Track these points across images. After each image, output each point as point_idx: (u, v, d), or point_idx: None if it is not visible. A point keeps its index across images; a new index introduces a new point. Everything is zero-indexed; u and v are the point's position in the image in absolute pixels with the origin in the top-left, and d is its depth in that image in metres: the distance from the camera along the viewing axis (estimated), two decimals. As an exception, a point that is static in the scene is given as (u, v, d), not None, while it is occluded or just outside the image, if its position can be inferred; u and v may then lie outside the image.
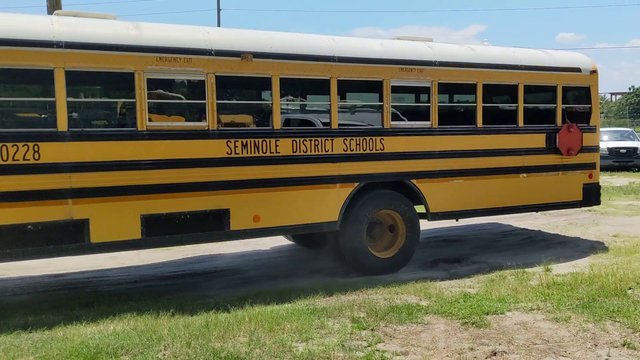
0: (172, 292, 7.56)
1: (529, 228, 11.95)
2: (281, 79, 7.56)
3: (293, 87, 8.37)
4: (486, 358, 5.14)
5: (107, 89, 7.92)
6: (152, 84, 6.98)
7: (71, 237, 6.58)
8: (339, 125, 7.99)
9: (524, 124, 9.36)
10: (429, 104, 8.64)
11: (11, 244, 6.31)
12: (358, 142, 8.07)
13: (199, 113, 7.52)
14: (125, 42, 6.76)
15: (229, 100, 8.00)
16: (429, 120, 8.61)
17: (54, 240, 6.52)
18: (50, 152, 6.41)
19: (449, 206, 8.82)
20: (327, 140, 7.85)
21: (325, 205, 7.90)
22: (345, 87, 8.43)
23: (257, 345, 5.32)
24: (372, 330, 5.78)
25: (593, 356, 5.16)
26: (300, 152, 7.68)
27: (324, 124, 8.07)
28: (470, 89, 8.99)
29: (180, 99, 7.84)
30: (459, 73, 8.81)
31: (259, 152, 7.44)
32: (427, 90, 8.65)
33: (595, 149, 10.14)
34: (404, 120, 8.66)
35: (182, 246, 9.66)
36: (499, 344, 5.43)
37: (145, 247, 7.29)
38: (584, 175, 9.94)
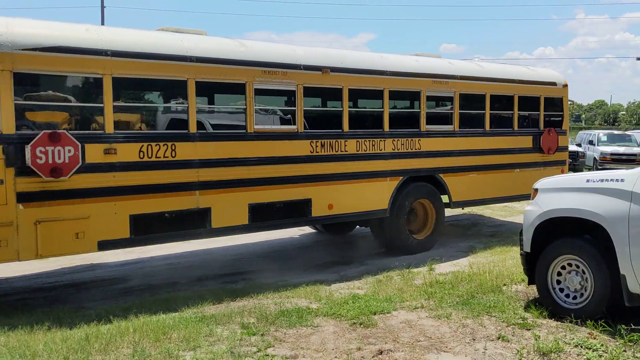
0: (49, 305, 7.23)
1: None
2: (349, 89, 9.17)
3: (358, 96, 9.84)
4: (373, 357, 5.24)
5: (225, 97, 8.91)
6: (258, 93, 8.28)
7: (197, 223, 7.80)
8: (389, 128, 9.67)
9: (517, 127, 11.57)
10: (452, 111, 10.59)
11: (154, 229, 7.50)
12: (403, 143, 9.86)
13: (290, 118, 8.74)
14: (238, 58, 8.09)
15: (311, 107, 9.24)
16: (452, 124, 10.58)
17: (184, 226, 7.73)
18: (184, 150, 7.51)
19: (465, 196, 10.76)
20: (381, 141, 9.58)
21: (379, 195, 9.55)
22: (393, 96, 9.91)
23: (141, 356, 5.13)
24: (262, 335, 5.75)
25: (471, 350, 5.40)
26: (362, 150, 9.34)
27: (377, 127, 9.63)
28: (481, 98, 10.99)
29: (277, 106, 9.15)
30: (473, 85, 10.81)
31: (332, 151, 9.02)
32: (450, 99, 10.60)
33: (565, 148, 12.49)
34: (435, 125, 10.41)
35: (59, 257, 8.79)
36: (385, 343, 5.57)
37: (251, 231, 8.68)
38: (558, 170, 12.10)
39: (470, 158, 10.79)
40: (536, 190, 6.76)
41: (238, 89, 8.21)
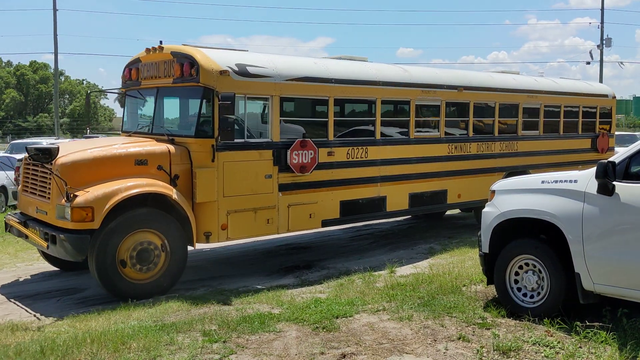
0: (0, 317, 7.02)
1: (377, 232, 12.69)
2: (475, 104, 11.89)
3: (480, 109, 12.20)
4: (335, 361, 5.29)
5: (395, 111, 11.19)
6: (417, 107, 10.93)
7: (378, 207, 10.40)
8: (498, 133, 12.33)
9: (581, 132, 14.33)
10: (538, 119, 13.31)
11: (353, 212, 10.06)
12: (506, 145, 12.58)
13: (435, 126, 11.31)
14: (405, 81, 10.76)
15: (448, 117, 11.60)
16: (538, 130, 13.37)
17: (370, 209, 10.32)
18: (372, 152, 10.18)
19: None
20: (492, 143, 12.34)
21: (488, 187, 11.15)
22: (501, 107, 12.53)
23: None
24: (224, 342, 5.66)
25: (433, 351, 5.48)
26: (480, 151, 12.04)
27: (489, 132, 12.34)
28: (558, 108, 13.75)
29: (427, 117, 11.52)
30: (553, 99, 13.54)
31: (462, 152, 11.70)
32: (537, 110, 13.26)
33: (612, 149, 14.98)
34: (527, 130, 13.00)
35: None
36: (348, 346, 5.59)
37: (409, 214, 12.37)
38: None
39: (551, 157, 13.41)
40: (493, 192, 6.89)
41: (404, 105, 10.77)
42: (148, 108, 9.52)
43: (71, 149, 8.09)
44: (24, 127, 66.78)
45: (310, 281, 8.58)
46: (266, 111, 9.06)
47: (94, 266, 7.53)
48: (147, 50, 9.18)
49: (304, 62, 9.70)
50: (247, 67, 8.65)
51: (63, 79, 77.27)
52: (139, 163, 7.99)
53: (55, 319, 6.95)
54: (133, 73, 9.61)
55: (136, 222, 7.70)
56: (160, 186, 7.91)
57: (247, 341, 5.76)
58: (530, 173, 12.24)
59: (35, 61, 79.04)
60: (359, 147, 10.04)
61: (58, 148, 7.59)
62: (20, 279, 9.08)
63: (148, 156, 8.09)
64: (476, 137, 12.06)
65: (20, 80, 77.00)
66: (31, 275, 9.30)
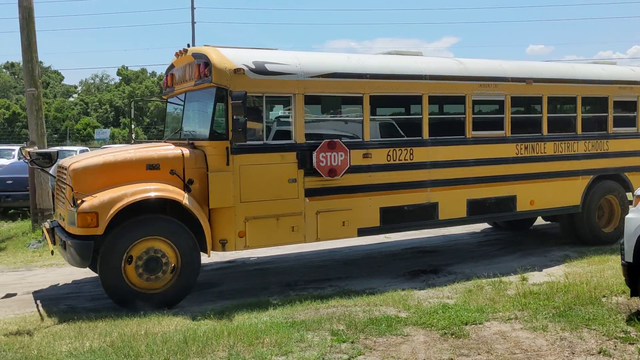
0: (148, 307, 7.29)
1: (506, 238, 12.25)
2: (550, 98, 10.37)
3: (554, 102, 10.74)
4: (466, 368, 5.24)
5: (448, 108, 10.17)
6: (475, 103, 9.70)
7: (428, 215, 9.25)
8: (582, 131, 10.74)
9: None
10: (635, 114, 11.53)
11: (397, 220, 9.06)
12: (593, 144, 10.87)
13: (499, 124, 9.97)
14: (458, 74, 9.54)
15: (515, 114, 10.21)
16: (635, 126, 11.51)
17: (418, 217, 9.23)
18: (419, 154, 9.11)
19: None
20: (574, 142, 10.68)
21: (572, 193, 10.58)
22: (584, 102, 10.94)
23: (236, 359, 5.33)
24: (352, 342, 5.76)
25: None
26: (558, 152, 10.48)
27: (571, 130, 10.71)
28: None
29: (489, 114, 10.45)
30: (629, 90, 11.51)
31: (534, 152, 10.21)
32: (634, 104, 11.53)
33: None
34: (620, 127, 11.28)
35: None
36: (479, 354, 5.48)
37: (468, 223, 10.38)
38: None
39: None
40: (638, 197, 6.43)
41: (459, 100, 9.59)
42: (179, 113, 9.29)
43: (88, 155, 8.06)
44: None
45: (437, 286, 8.38)
46: (290, 110, 8.38)
47: (99, 273, 7.34)
48: (176, 54, 8.95)
49: (333, 57, 8.93)
50: (266, 65, 8.07)
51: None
52: (151, 167, 7.69)
53: (196, 311, 7.21)
54: (169, 79, 9.45)
55: (143, 229, 7.39)
56: (170, 191, 7.54)
57: (374, 343, 5.80)
58: (625, 176, 10.99)
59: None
60: (403, 148, 9.02)
61: (57, 152, 7.65)
62: None
63: (160, 160, 7.77)
64: (553, 135, 10.48)
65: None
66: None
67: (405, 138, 9.22)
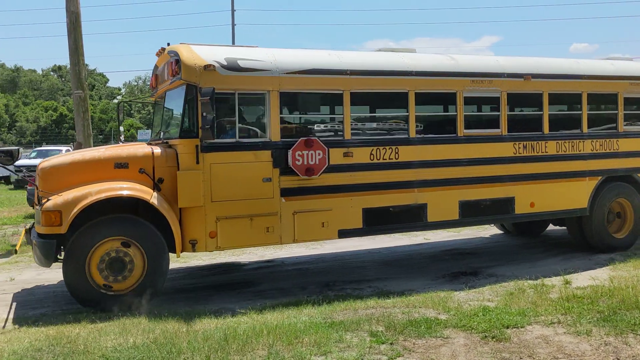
0: (190, 305, 7.63)
1: (549, 240, 11.99)
2: (549, 94, 9.80)
3: (556, 100, 10.20)
4: (507, 372, 5.21)
5: (437, 105, 9.83)
6: (467, 100, 9.25)
7: (415, 217, 8.84)
8: (588, 129, 10.14)
9: None
10: None
11: (381, 221, 8.64)
12: (601, 143, 10.25)
13: (495, 122, 9.50)
14: (448, 70, 9.13)
15: (513, 111, 9.77)
16: None
17: (405, 219, 8.82)
18: (405, 153, 8.70)
19: None
20: (580, 142, 10.07)
21: (578, 194, 10.03)
22: (591, 99, 10.35)
23: (276, 358, 5.36)
24: (391, 344, 5.74)
25: None
26: (562, 151, 9.88)
27: (576, 128, 10.12)
28: None
29: (483, 111, 10.03)
30: None
31: (534, 152, 9.66)
32: None
33: None
34: (632, 125, 10.69)
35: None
36: (521, 358, 5.41)
37: (461, 226, 10.16)
38: None
39: None
40: None
41: (449, 97, 9.16)
42: (160, 113, 9.19)
43: (61, 155, 8.10)
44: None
45: (477, 288, 8.25)
46: (264, 107, 8.13)
47: (63, 274, 7.23)
48: (157, 54, 8.86)
49: (312, 54, 8.66)
50: (239, 61, 7.86)
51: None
52: (119, 166, 7.59)
53: (236, 309, 7.26)
54: (153, 80, 9.37)
55: (107, 229, 7.26)
56: (137, 190, 7.40)
57: (414, 345, 5.75)
58: (638, 177, 10.37)
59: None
60: (387, 147, 8.64)
61: (18, 150, 7.80)
62: (204, 271, 9.90)
63: (129, 159, 7.65)
64: (555, 134, 9.90)
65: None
66: (215, 267, 10.11)
67: (390, 136, 8.86)
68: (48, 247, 7.11)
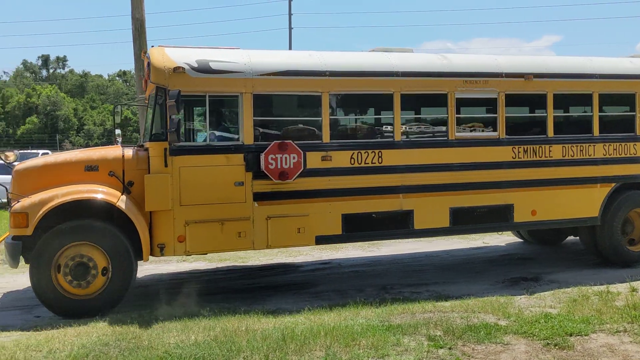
0: (248, 305, 7.73)
1: None
2: (554, 95, 9.10)
3: (563, 101, 9.53)
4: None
5: (426, 107, 9.44)
6: (459, 102, 8.72)
7: (401, 223, 8.44)
8: (600, 132, 9.38)
9: None
10: None
11: (363, 228, 8.36)
12: (615, 148, 9.44)
13: (491, 124, 8.97)
14: (438, 69, 8.64)
15: (512, 113, 9.20)
16: None
17: (389, 226, 8.47)
18: (389, 157, 8.33)
19: None
20: (590, 146, 9.32)
21: (587, 202, 9.31)
22: (603, 100, 9.59)
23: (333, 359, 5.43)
24: (449, 349, 5.66)
25: None
26: (568, 156, 9.15)
27: (585, 132, 9.38)
28: None
29: (478, 113, 9.40)
30: None
31: (536, 157, 9.00)
32: None
33: None
34: None
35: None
36: None
37: (453, 234, 9.56)
38: None
39: None
40: None
41: (440, 98, 8.66)
42: (144, 116, 9.28)
43: (37, 158, 8.29)
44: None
45: (539, 294, 8.05)
46: (237, 110, 7.97)
47: (30, 279, 7.25)
48: (142, 57, 8.91)
49: (289, 55, 8.48)
50: (210, 63, 7.74)
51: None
52: (90, 169, 7.60)
53: (293, 310, 7.33)
54: (143, 83, 9.34)
55: (71, 234, 7.23)
56: (103, 193, 7.39)
57: (473, 350, 5.69)
58: None
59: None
60: (370, 151, 8.27)
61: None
62: (261, 272, 10.07)
63: (99, 162, 7.65)
64: (560, 137, 9.22)
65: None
66: (272, 268, 10.26)
67: (373, 140, 8.48)
68: (14, 249, 7.17)
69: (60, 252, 7.15)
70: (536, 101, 9.33)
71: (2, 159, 8.21)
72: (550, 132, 9.14)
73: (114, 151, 7.80)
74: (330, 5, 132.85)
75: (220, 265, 10.45)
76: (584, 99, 9.52)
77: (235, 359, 5.43)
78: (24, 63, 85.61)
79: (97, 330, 6.35)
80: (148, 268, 10.00)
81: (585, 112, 9.64)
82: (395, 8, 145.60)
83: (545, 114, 9.15)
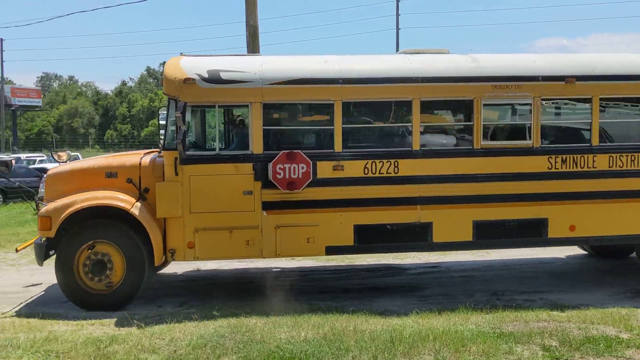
0: (356, 304, 7.83)
1: None
2: (601, 99, 8.34)
3: (610, 105, 8.79)
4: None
5: (448, 115, 9.04)
6: (487, 109, 8.26)
7: (419, 236, 8.14)
8: None
9: None
10: None
11: (377, 239, 8.14)
12: None
13: (524, 132, 8.35)
14: (467, 74, 8.16)
15: (549, 120, 8.62)
16: None
17: (405, 238, 8.17)
18: (406, 167, 8.05)
19: None
20: None
21: (638, 218, 8.41)
22: None
23: None
24: None
25: None
26: (616, 167, 8.33)
27: (637, 140, 8.53)
28: None
29: (508, 120, 8.82)
30: None
31: (577, 167, 8.27)
32: None
33: None
34: None
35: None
36: None
37: (475, 248, 9.03)
38: None
39: None
40: None
41: (464, 105, 8.23)
42: None
43: (70, 163, 8.69)
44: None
45: None
46: (247, 119, 8.05)
47: (56, 275, 7.81)
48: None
49: (302, 62, 8.28)
50: (220, 73, 7.85)
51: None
52: (110, 176, 8.01)
53: (401, 313, 7.36)
54: None
55: (90, 234, 7.74)
56: (118, 199, 7.78)
57: None
58: None
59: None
60: (385, 160, 8.01)
61: (12, 160, 8.93)
62: (369, 272, 10.06)
63: (118, 169, 8.06)
64: (607, 146, 8.40)
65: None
66: (380, 269, 10.24)
67: (388, 149, 8.18)
68: (40, 249, 7.83)
69: (81, 249, 7.68)
70: (578, 106, 8.58)
71: (55, 159, 8.90)
72: (595, 140, 8.32)
73: (131, 159, 8.20)
74: (438, 5, 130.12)
75: (327, 264, 10.54)
76: (637, 103, 8.65)
77: (344, 357, 5.50)
78: (148, 69, 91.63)
79: (214, 323, 6.72)
80: (255, 263, 10.29)
81: (636, 117, 8.74)
82: (508, 5, 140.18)
83: (590, 121, 8.34)
